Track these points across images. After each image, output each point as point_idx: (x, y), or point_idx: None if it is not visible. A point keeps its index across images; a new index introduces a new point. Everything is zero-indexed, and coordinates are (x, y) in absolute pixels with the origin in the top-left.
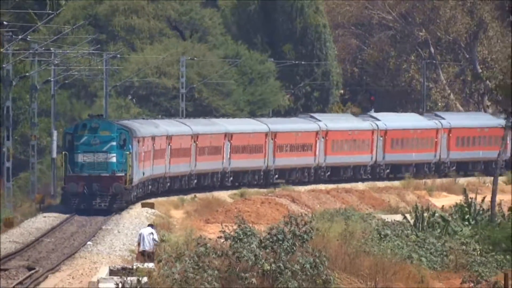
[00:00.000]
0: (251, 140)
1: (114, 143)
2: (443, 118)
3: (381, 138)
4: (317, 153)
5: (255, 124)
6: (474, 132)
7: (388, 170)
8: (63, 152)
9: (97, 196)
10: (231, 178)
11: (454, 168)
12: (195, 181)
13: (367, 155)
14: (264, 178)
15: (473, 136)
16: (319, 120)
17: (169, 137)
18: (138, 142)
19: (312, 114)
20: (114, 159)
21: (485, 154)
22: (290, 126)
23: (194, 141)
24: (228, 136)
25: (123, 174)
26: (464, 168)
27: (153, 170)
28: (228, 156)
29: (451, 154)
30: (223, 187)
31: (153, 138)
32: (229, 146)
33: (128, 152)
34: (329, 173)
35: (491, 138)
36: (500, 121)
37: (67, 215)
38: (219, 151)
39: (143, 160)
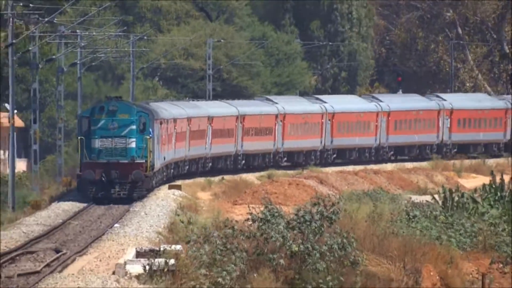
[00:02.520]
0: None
1: (133, 127)
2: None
3: (329, 122)
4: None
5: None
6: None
7: (334, 155)
8: (79, 137)
9: (116, 184)
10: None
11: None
12: (210, 164)
13: (317, 138)
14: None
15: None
16: (276, 103)
17: (189, 119)
18: (161, 124)
19: (268, 97)
20: (133, 145)
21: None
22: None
23: (210, 124)
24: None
25: (144, 161)
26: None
27: (175, 153)
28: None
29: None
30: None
31: (174, 120)
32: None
33: (148, 137)
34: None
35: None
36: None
37: (84, 204)
38: (231, 134)
39: (165, 143)
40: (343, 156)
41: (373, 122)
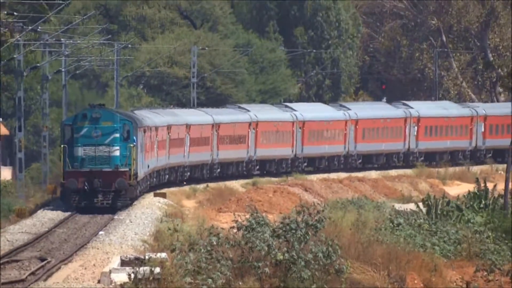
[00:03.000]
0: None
1: (117, 135)
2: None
3: (299, 130)
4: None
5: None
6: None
7: (305, 163)
8: (62, 145)
9: (99, 193)
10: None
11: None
12: (188, 173)
13: (288, 147)
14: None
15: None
16: (249, 111)
17: (169, 127)
18: (144, 132)
19: (240, 105)
20: (117, 153)
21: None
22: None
23: (188, 132)
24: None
25: (127, 169)
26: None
27: (158, 161)
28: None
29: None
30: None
31: (156, 128)
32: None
33: (132, 145)
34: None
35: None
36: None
37: (67, 213)
38: (207, 142)
39: (148, 151)
40: (313, 164)
41: (342, 130)
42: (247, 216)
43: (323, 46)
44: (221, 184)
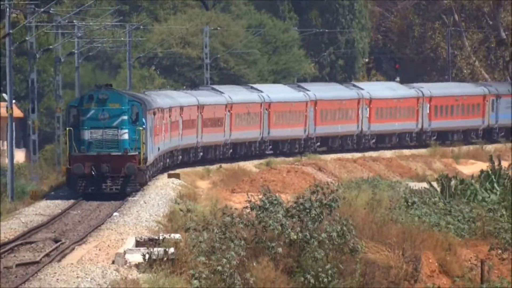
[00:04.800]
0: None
1: (125, 117)
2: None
3: (266, 112)
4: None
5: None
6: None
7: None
8: (67, 128)
9: (107, 179)
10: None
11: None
12: (201, 153)
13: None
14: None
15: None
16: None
17: (181, 108)
18: (154, 114)
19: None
20: (126, 136)
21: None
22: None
23: (200, 113)
24: (200, 108)
25: (137, 153)
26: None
27: (171, 142)
28: (229, 127)
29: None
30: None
31: (169, 109)
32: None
33: (141, 128)
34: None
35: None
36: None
37: (72, 201)
38: (220, 123)
39: (158, 134)
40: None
41: (303, 112)
42: (261, 196)
43: (338, 28)
44: (235, 164)
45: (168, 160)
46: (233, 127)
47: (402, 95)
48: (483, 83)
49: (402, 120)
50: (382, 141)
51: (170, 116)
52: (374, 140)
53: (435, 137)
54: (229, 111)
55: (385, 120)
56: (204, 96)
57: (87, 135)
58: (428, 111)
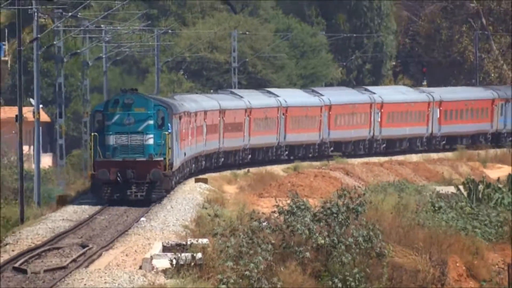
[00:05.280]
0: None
1: (151, 122)
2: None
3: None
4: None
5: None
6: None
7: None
8: (92, 134)
9: (132, 185)
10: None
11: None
12: (222, 159)
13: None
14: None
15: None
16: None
17: (205, 112)
18: (180, 118)
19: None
20: (151, 141)
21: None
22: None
23: (222, 117)
24: (248, 111)
25: (162, 159)
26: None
27: (197, 148)
28: (248, 132)
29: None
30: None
31: (195, 114)
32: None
33: (167, 133)
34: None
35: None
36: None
37: (99, 206)
38: (240, 128)
39: (184, 139)
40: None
41: (318, 116)
42: (288, 200)
43: (366, 32)
44: (262, 169)
45: (193, 165)
46: (252, 132)
47: (413, 99)
48: (492, 87)
49: (413, 124)
50: (393, 146)
51: (195, 121)
52: (384, 145)
53: (444, 142)
54: (248, 115)
55: (396, 124)
56: (225, 100)
57: (112, 140)
58: (438, 116)
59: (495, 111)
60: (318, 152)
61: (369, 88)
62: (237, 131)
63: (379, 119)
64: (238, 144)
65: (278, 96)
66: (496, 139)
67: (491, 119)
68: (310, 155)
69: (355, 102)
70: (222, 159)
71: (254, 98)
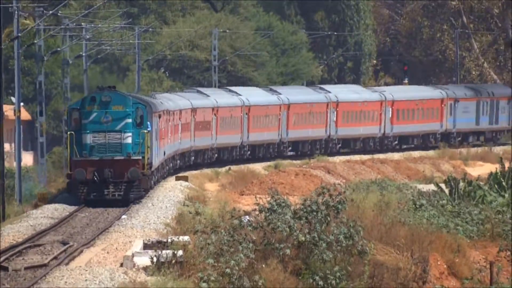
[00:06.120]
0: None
1: (129, 120)
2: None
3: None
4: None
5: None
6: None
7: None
8: (68, 132)
9: (110, 184)
10: (216, 155)
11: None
12: (216, 155)
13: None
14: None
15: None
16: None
17: (194, 110)
18: (159, 117)
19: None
20: (129, 140)
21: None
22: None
23: (215, 114)
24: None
25: (141, 157)
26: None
27: (181, 144)
28: (215, 131)
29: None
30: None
31: (173, 112)
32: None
33: (146, 131)
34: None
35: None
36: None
37: (71, 210)
38: (208, 127)
39: (163, 137)
40: (348, 145)
41: (277, 115)
42: (269, 198)
43: (346, 30)
44: (244, 167)
45: (179, 161)
46: (219, 131)
47: (366, 98)
48: (441, 86)
49: (366, 124)
50: (347, 145)
51: (173, 119)
52: (340, 145)
53: (396, 142)
54: (215, 114)
55: (351, 124)
56: (196, 99)
57: (89, 139)
58: (390, 115)
59: (444, 111)
60: (277, 151)
61: (324, 87)
62: (206, 130)
63: (335, 119)
64: (207, 143)
65: (240, 95)
66: (445, 139)
67: (440, 119)
68: (269, 155)
69: (312, 101)
70: (193, 158)
71: (220, 97)
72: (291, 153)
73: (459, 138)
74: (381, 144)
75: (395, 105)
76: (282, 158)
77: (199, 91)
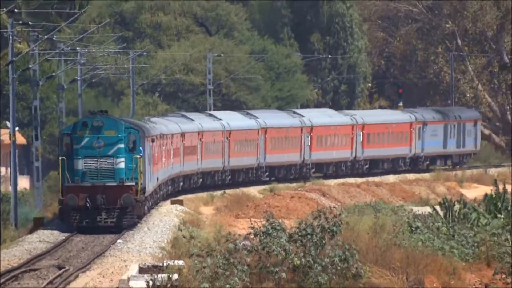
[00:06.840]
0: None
1: (122, 146)
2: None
3: (200, 142)
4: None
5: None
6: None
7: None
8: (60, 158)
9: (102, 211)
10: (201, 179)
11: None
12: (201, 180)
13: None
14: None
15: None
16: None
17: (183, 134)
18: (153, 141)
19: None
20: (122, 165)
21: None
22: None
23: (200, 139)
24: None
25: (134, 183)
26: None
27: (173, 169)
28: (200, 156)
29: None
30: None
31: (168, 136)
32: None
33: (138, 156)
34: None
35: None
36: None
37: (66, 234)
38: (195, 152)
39: (156, 162)
40: (321, 170)
41: (255, 140)
42: (264, 222)
43: (339, 53)
44: (239, 190)
45: (170, 187)
46: (203, 155)
47: (338, 122)
48: (410, 110)
49: (339, 148)
50: (320, 170)
51: (166, 144)
52: (313, 170)
53: (367, 166)
54: (200, 139)
55: (325, 148)
56: (184, 124)
57: (80, 164)
58: (361, 139)
59: (413, 135)
60: (256, 176)
61: (298, 111)
62: (193, 154)
63: (309, 143)
64: (193, 167)
65: (220, 119)
66: (414, 163)
67: (410, 143)
68: (247, 180)
69: (287, 125)
70: (181, 183)
71: (203, 121)
72: (267, 178)
73: (427, 162)
74: (352, 168)
75: (366, 129)
76: (261, 184)
77: (183, 115)
